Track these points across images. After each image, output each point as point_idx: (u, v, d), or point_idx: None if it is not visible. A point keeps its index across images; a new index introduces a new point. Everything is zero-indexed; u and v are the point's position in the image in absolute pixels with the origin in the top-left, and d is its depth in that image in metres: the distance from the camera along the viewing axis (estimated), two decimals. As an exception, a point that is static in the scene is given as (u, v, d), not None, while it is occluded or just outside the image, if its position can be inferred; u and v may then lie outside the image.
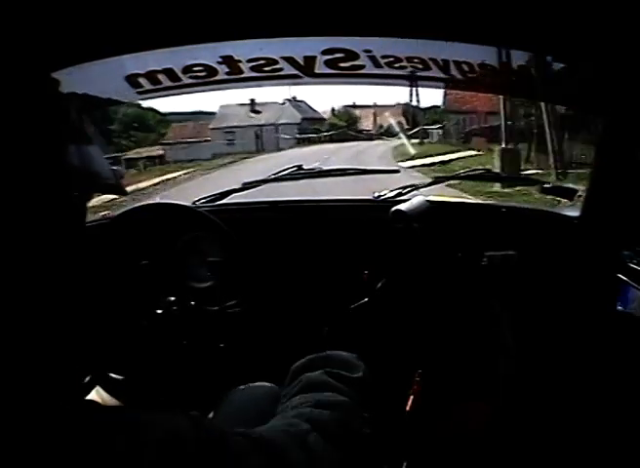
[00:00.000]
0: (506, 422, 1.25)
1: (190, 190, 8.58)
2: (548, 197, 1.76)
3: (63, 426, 0.40)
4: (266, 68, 1.31)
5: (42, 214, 0.47)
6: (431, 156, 9.05)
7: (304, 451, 0.53)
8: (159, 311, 1.37)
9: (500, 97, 6.74)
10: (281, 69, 1.32)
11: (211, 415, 0.95)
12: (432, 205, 1.44)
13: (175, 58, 1.32)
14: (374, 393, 0.76)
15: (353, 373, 0.75)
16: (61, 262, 0.49)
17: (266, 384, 1.01)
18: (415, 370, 1.25)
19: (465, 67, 1.36)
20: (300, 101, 19.02)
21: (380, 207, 1.53)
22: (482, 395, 1.26)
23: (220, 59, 1.30)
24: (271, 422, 0.61)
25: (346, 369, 0.75)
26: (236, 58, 1.30)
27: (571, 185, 1.55)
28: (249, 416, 0.84)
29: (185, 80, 1.37)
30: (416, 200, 1.43)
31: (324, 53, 1.29)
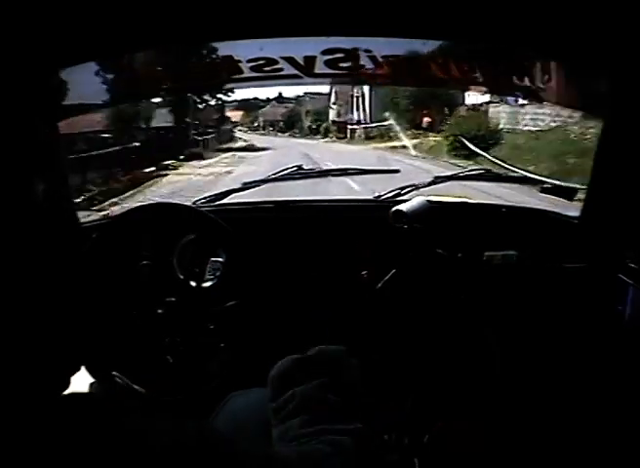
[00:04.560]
0: (499, 442, 1.23)
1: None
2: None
3: (65, 429, 0.40)
4: (266, 68, 1.31)
5: (31, 211, 0.46)
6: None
7: None
8: (159, 311, 1.37)
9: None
10: (281, 69, 1.32)
11: (210, 419, 0.94)
12: (432, 205, 1.44)
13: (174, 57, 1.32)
14: (371, 388, 0.74)
15: (348, 376, 0.71)
16: (56, 261, 0.49)
17: (263, 389, 0.99)
18: (411, 370, 1.25)
19: (465, 67, 1.36)
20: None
21: (380, 207, 1.53)
22: (470, 414, 1.26)
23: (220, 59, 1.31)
24: (286, 447, 0.58)
25: (339, 371, 0.71)
26: (236, 58, 1.30)
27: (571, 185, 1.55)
28: (248, 421, 0.83)
29: (185, 80, 1.37)
30: (416, 200, 1.43)
31: (324, 53, 1.29)
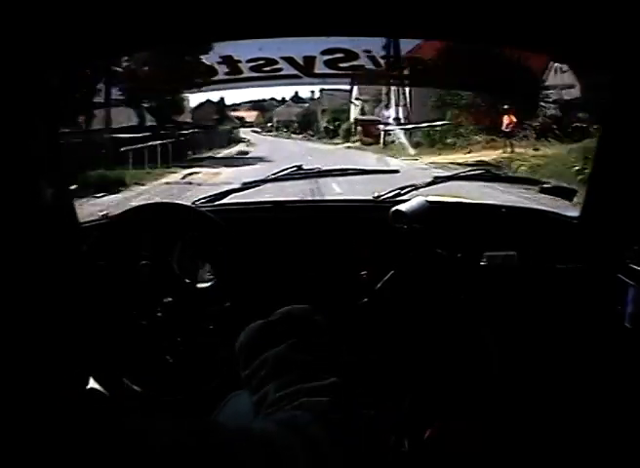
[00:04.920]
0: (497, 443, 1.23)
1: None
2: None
3: (67, 429, 0.40)
4: (266, 68, 1.31)
5: (31, 212, 0.46)
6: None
7: (307, 444, 0.51)
8: (159, 311, 1.37)
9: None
10: (280, 69, 1.32)
11: (210, 419, 0.94)
12: (432, 205, 1.43)
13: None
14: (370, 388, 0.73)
15: (319, 336, 0.70)
16: (56, 260, 0.49)
17: None
18: (409, 370, 1.25)
19: (465, 67, 1.36)
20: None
21: (379, 207, 1.53)
22: (468, 414, 1.25)
23: (219, 59, 1.31)
24: (265, 418, 0.57)
25: (306, 330, 0.70)
26: (236, 58, 1.30)
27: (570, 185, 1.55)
28: (247, 423, 0.83)
29: (185, 80, 1.37)
30: (415, 200, 1.43)
31: (324, 53, 1.29)
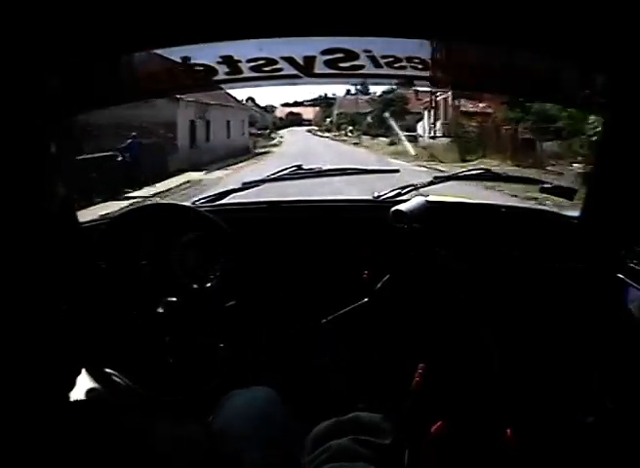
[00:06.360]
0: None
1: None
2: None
3: (68, 429, 0.40)
4: (266, 68, 1.31)
5: (31, 212, 0.46)
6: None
7: None
8: (159, 311, 1.37)
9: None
10: (281, 69, 1.32)
11: (210, 419, 0.95)
12: (432, 205, 1.44)
13: (174, 58, 1.32)
14: (402, 454, 0.77)
15: (381, 439, 0.74)
16: (55, 260, 0.49)
17: (264, 388, 1.00)
18: (413, 370, 1.25)
19: (466, 67, 1.36)
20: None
21: (380, 207, 1.53)
22: (468, 414, 1.26)
23: (219, 59, 1.31)
24: None
25: (374, 433, 0.75)
26: (236, 58, 1.30)
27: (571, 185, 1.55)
28: (248, 420, 0.84)
29: (185, 80, 1.37)
30: (415, 200, 1.43)
31: (324, 53, 1.29)
